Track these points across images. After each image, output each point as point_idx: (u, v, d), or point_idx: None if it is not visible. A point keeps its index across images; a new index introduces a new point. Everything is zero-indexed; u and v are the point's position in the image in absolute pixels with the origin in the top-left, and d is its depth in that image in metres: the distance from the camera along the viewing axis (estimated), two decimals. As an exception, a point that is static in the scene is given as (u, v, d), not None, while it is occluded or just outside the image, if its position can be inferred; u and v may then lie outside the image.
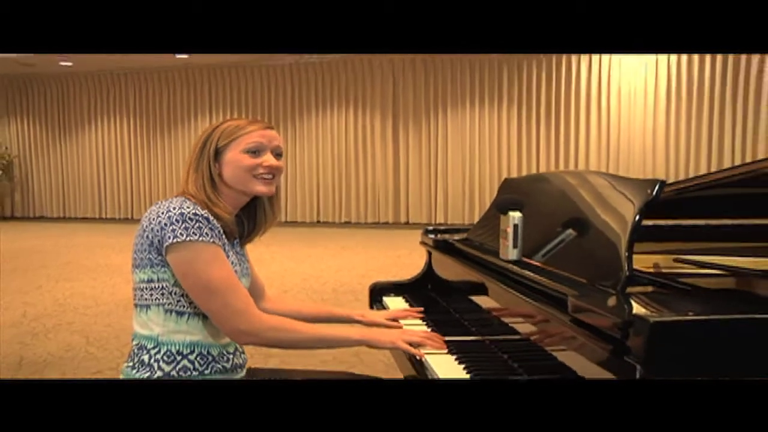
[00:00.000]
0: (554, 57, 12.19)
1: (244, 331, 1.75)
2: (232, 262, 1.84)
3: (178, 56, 12.88)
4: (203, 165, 1.85)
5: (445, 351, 1.88)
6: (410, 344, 1.86)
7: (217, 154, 1.85)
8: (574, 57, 12.12)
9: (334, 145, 13.51)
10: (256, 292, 2.12)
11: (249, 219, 2.02)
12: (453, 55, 12.56)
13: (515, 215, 1.97)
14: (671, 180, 1.88)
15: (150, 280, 1.77)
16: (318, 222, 13.80)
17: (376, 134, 13.25)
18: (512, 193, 2.35)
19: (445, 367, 1.77)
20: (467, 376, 1.68)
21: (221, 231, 1.80)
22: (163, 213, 1.73)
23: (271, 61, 13.52)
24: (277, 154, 1.91)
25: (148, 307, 1.79)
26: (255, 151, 1.85)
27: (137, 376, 1.77)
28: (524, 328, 1.75)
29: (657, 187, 1.60)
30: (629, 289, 1.47)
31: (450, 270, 2.54)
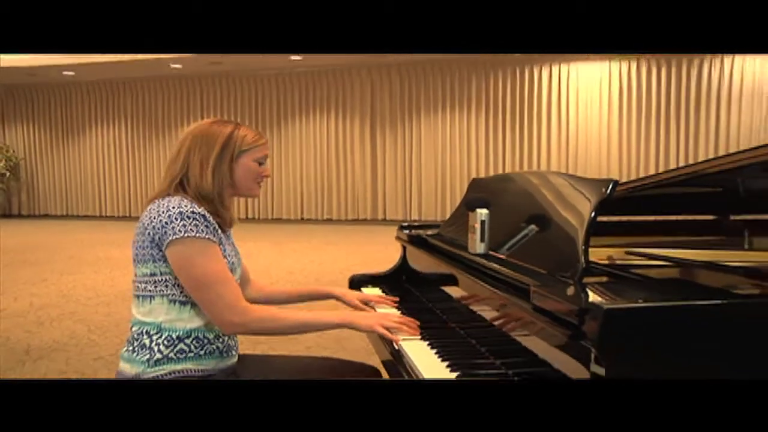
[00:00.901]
0: (518, 67, 12.28)
1: (235, 323, 1.76)
2: (228, 254, 1.85)
3: (172, 66, 12.81)
4: (224, 165, 1.86)
5: (419, 336, 1.88)
6: (387, 329, 1.85)
7: (237, 156, 1.88)
8: (536, 67, 12.20)
9: (316, 148, 13.48)
10: (243, 278, 2.12)
11: None
12: (426, 65, 12.61)
13: (482, 212, 1.97)
14: (623, 179, 1.89)
15: (153, 274, 1.78)
16: (302, 219, 13.76)
17: (355, 138, 13.24)
18: (480, 192, 2.36)
19: (419, 352, 1.77)
20: (439, 360, 1.69)
21: (216, 227, 1.81)
22: (163, 212, 1.74)
23: (257, 70, 13.46)
24: None
25: (152, 297, 1.79)
26: (262, 162, 1.93)
27: (138, 358, 1.77)
28: (491, 315, 1.76)
29: (610, 186, 1.61)
30: (586, 279, 1.47)
31: (423, 263, 2.54)
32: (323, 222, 13.51)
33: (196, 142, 1.86)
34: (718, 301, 1.27)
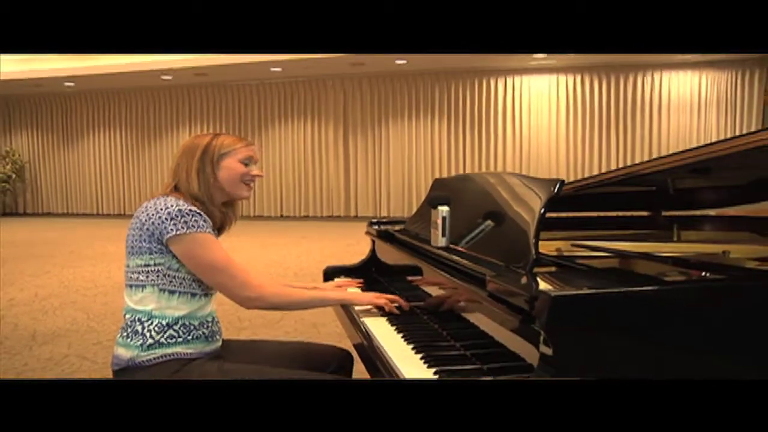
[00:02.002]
0: (476, 79, 12.32)
1: (253, 298, 1.79)
2: None
3: (163, 77, 12.67)
4: (207, 168, 1.87)
5: (384, 320, 1.90)
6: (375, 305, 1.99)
7: (218, 159, 1.89)
8: (492, 78, 12.26)
9: (294, 151, 13.41)
10: None
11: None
12: (394, 77, 12.60)
13: (444, 209, 1.98)
14: (570, 179, 1.91)
15: (147, 265, 1.77)
16: (281, 216, 13.68)
17: (329, 142, 13.18)
18: (442, 191, 2.36)
19: (387, 336, 1.78)
20: (405, 343, 1.69)
21: (211, 223, 1.82)
22: (161, 210, 1.74)
23: (240, 81, 13.37)
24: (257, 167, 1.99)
25: (143, 286, 1.77)
26: (247, 163, 1.92)
27: (132, 343, 1.75)
28: (452, 302, 1.76)
29: (558, 185, 1.62)
30: (536, 269, 1.48)
31: (391, 256, 2.53)
32: (300, 218, 13.43)
33: (183, 155, 1.90)
34: (653, 288, 1.29)
